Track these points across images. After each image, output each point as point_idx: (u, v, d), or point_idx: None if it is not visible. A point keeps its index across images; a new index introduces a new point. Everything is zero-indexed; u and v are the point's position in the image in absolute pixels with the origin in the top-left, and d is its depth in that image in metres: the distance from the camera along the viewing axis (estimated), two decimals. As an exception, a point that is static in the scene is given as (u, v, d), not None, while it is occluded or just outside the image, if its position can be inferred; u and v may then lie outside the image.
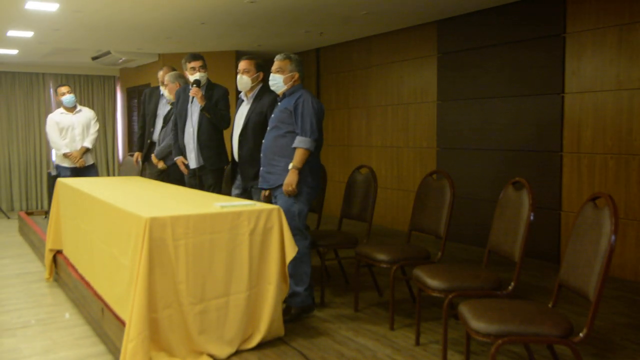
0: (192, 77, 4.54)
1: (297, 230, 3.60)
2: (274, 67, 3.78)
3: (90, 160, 6.48)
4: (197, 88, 4.43)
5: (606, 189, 4.79)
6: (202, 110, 4.49)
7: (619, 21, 4.72)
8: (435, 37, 6.43)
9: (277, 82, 3.76)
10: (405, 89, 6.92)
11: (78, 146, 6.34)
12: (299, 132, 3.63)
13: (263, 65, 4.17)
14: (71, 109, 6.41)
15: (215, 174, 4.64)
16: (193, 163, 4.59)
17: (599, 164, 4.89)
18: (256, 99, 4.12)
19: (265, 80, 4.17)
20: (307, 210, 3.70)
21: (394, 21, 6.44)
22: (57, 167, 6.53)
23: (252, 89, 4.12)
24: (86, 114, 6.50)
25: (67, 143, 6.33)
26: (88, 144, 6.39)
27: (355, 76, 7.75)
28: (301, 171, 3.60)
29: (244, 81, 4.05)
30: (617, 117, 4.76)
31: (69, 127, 6.34)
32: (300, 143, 3.60)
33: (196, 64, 4.57)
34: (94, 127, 6.50)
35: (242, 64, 4.07)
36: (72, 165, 6.33)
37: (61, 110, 6.42)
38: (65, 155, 6.31)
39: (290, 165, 3.59)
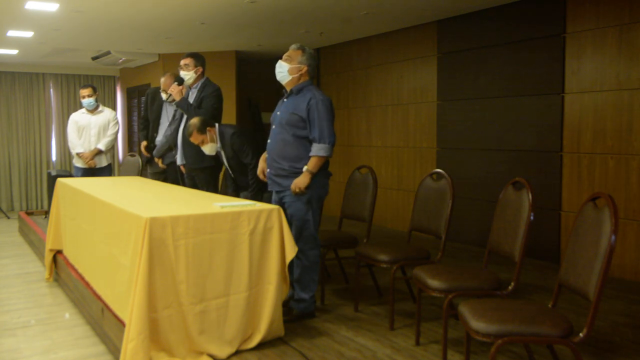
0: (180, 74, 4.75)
1: (312, 237, 3.57)
2: (284, 55, 3.62)
3: (104, 162, 6.32)
4: (175, 84, 4.65)
5: (606, 189, 4.79)
6: (175, 105, 4.74)
7: (619, 21, 4.72)
8: (435, 37, 6.43)
9: (282, 70, 3.59)
10: (405, 89, 6.92)
11: (92, 147, 6.22)
12: (315, 138, 3.50)
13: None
14: (92, 110, 6.28)
15: (205, 174, 4.66)
16: (179, 159, 4.79)
17: (599, 164, 4.89)
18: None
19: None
20: (319, 217, 3.65)
21: (394, 21, 6.44)
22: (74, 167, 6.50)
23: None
24: (106, 115, 6.33)
25: (82, 143, 6.24)
26: (102, 145, 6.22)
27: (355, 76, 7.75)
28: (313, 178, 3.52)
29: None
30: (617, 117, 4.76)
31: (85, 127, 6.23)
32: (320, 151, 3.48)
33: (183, 61, 4.72)
34: (112, 130, 6.30)
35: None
36: (84, 166, 6.25)
37: (83, 110, 6.33)
38: (78, 155, 6.27)
39: (305, 168, 3.49)
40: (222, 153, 4.36)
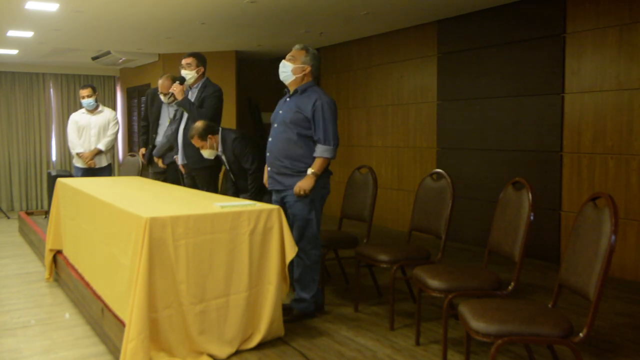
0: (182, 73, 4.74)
1: (314, 237, 3.57)
2: (288, 55, 3.63)
3: (104, 162, 6.31)
4: (177, 84, 4.62)
5: (606, 189, 4.79)
6: (177, 104, 4.71)
7: (619, 21, 4.72)
8: (436, 37, 6.43)
9: (286, 70, 3.58)
10: (406, 89, 6.92)
11: (92, 147, 6.21)
12: (319, 140, 3.50)
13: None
14: (92, 110, 6.26)
15: (205, 173, 4.66)
16: (179, 159, 4.80)
17: (599, 164, 4.89)
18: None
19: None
20: (321, 216, 3.65)
21: (394, 21, 6.44)
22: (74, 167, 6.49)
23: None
24: (106, 115, 6.31)
25: (82, 143, 6.23)
26: (101, 145, 6.22)
27: (356, 76, 7.75)
28: (317, 179, 3.52)
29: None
30: (617, 117, 4.76)
31: (85, 127, 6.22)
32: (325, 152, 3.49)
33: (185, 61, 4.71)
34: (112, 129, 6.29)
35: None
36: (84, 166, 6.24)
37: (83, 110, 6.32)
38: (78, 155, 6.26)
39: (310, 171, 3.49)
40: (224, 157, 4.38)
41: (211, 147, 4.31)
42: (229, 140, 4.29)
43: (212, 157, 4.40)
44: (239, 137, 4.30)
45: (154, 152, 5.40)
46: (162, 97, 5.39)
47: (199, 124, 4.30)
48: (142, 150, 5.71)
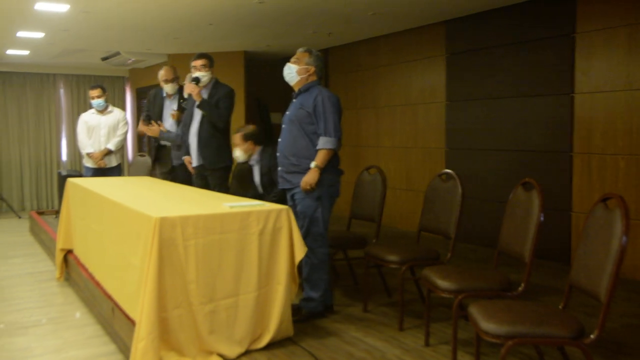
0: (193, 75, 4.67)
1: (320, 236, 3.60)
2: (292, 58, 3.75)
3: (113, 162, 6.34)
4: (193, 85, 4.56)
5: (617, 189, 4.76)
6: (197, 106, 4.62)
7: (629, 21, 4.69)
8: (444, 37, 6.42)
9: (291, 71, 3.70)
10: (414, 89, 6.91)
11: (102, 147, 6.24)
12: (321, 132, 3.56)
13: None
14: (102, 110, 6.31)
15: (219, 174, 4.67)
16: (195, 161, 4.75)
17: (610, 164, 4.86)
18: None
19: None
20: (329, 215, 3.67)
21: (402, 21, 6.43)
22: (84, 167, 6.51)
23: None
24: (115, 115, 6.36)
25: (92, 143, 6.27)
26: (111, 145, 6.25)
27: (364, 76, 7.74)
28: (323, 174, 3.55)
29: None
30: (628, 117, 4.73)
31: (95, 127, 6.26)
32: (327, 144, 3.54)
33: (197, 62, 4.68)
34: (121, 130, 6.33)
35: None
36: (94, 166, 6.27)
37: (92, 110, 6.36)
38: (88, 155, 6.30)
39: (313, 164, 3.53)
40: (257, 168, 4.46)
41: (245, 152, 4.40)
42: (267, 154, 4.39)
43: (239, 160, 4.49)
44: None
45: (160, 134, 5.26)
46: (164, 85, 5.31)
47: (252, 127, 4.44)
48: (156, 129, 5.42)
